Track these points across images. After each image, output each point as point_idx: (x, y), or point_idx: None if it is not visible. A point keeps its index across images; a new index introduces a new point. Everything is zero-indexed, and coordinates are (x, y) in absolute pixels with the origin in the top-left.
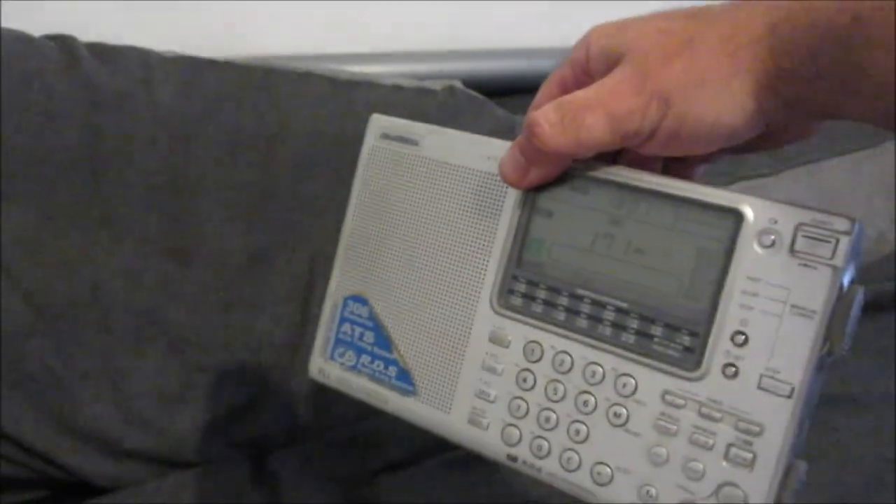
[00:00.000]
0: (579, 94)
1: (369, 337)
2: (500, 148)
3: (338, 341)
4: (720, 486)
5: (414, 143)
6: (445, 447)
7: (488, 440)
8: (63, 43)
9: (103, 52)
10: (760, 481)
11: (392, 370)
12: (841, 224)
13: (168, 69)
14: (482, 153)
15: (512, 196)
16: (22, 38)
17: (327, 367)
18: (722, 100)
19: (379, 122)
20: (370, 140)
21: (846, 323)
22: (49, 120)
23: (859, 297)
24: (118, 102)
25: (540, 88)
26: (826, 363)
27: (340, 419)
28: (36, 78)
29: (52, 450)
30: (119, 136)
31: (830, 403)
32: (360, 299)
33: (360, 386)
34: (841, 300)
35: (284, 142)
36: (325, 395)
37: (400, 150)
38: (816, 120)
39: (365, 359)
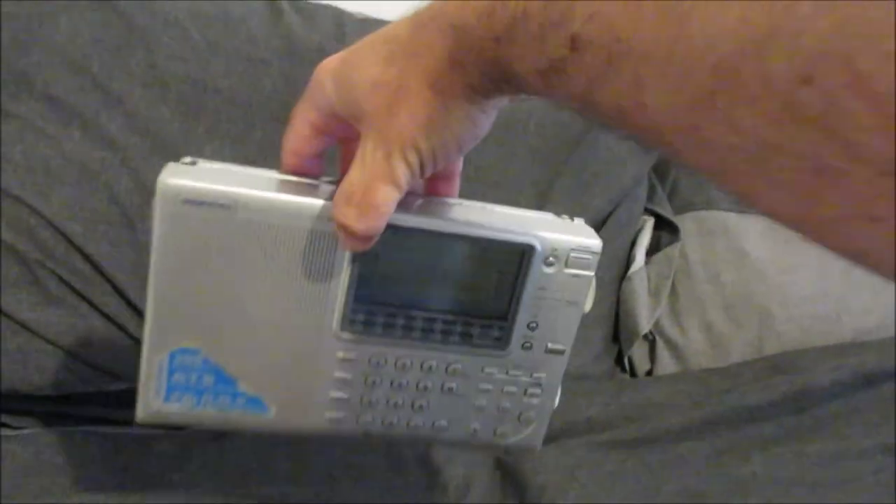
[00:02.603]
0: (356, 179)
1: (209, 379)
2: (313, 206)
3: (172, 388)
4: (521, 413)
5: (226, 207)
6: (590, 430)
7: (344, 428)
8: None
9: (303, 8)
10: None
11: (241, 400)
12: (597, 245)
13: (361, 29)
14: (302, 211)
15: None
16: None
17: (164, 408)
18: (451, 126)
19: (175, 188)
20: (168, 207)
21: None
22: (251, 66)
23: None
24: (313, 56)
25: (289, 130)
26: None
27: None
28: (242, 26)
29: None
30: None
31: None
32: (188, 351)
33: (209, 417)
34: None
35: None
36: None
37: (210, 215)
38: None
39: (207, 397)
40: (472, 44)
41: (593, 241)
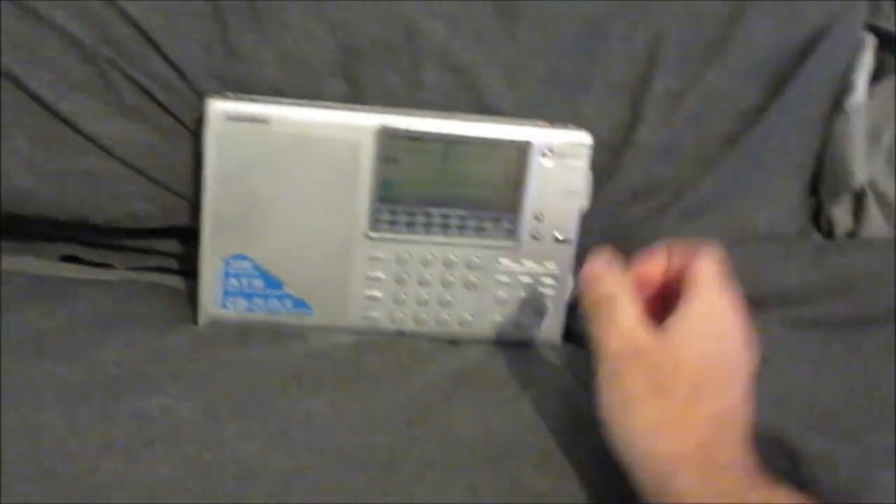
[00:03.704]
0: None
1: (258, 284)
2: (340, 116)
3: (227, 293)
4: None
5: (264, 121)
6: (784, 303)
7: (380, 326)
8: None
9: None
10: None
11: (287, 302)
12: (587, 139)
13: None
14: (329, 123)
15: (364, 152)
16: None
17: (221, 314)
18: None
19: (221, 107)
20: (214, 124)
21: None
22: None
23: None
24: None
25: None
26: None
27: None
28: None
29: None
30: None
31: None
32: (240, 257)
33: (259, 320)
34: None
35: None
36: None
37: (250, 129)
38: None
39: (258, 301)
40: None
41: (584, 136)
